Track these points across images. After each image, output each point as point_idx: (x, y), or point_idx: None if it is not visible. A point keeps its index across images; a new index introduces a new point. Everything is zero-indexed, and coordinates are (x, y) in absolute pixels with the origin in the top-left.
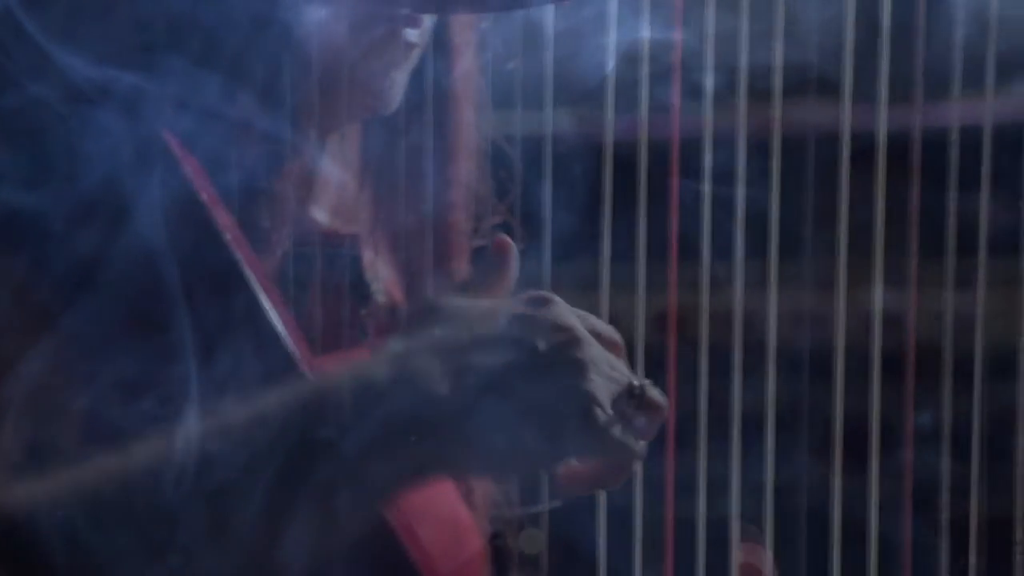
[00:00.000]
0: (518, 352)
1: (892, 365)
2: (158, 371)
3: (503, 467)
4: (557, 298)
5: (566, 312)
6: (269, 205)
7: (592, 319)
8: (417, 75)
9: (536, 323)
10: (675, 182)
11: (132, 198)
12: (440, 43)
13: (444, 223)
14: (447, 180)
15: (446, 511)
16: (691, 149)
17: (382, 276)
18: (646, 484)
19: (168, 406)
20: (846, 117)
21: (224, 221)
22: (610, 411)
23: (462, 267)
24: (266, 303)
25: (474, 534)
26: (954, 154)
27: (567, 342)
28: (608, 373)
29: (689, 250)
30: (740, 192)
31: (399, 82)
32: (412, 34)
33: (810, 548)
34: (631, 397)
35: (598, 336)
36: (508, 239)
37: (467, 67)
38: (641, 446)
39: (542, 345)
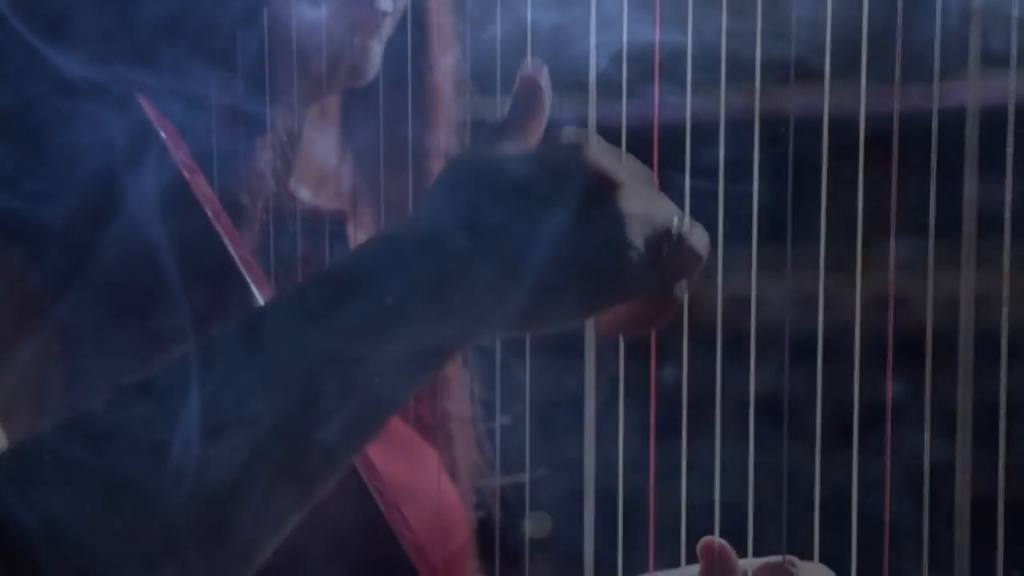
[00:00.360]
0: (552, 202)
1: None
2: (149, 353)
3: (540, 318)
4: (592, 137)
5: (602, 153)
6: (247, 179)
7: (626, 157)
8: (393, 44)
9: (570, 168)
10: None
11: (114, 178)
12: (416, 11)
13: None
14: (426, 150)
15: (434, 498)
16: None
17: None
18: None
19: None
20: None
21: (206, 196)
22: (648, 256)
23: None
24: (249, 281)
25: (463, 521)
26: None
27: (603, 188)
28: (644, 216)
29: None
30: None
31: (375, 51)
32: (384, 2)
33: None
34: (669, 239)
35: (634, 172)
36: (535, 76)
37: (444, 34)
38: (680, 287)
39: (577, 193)
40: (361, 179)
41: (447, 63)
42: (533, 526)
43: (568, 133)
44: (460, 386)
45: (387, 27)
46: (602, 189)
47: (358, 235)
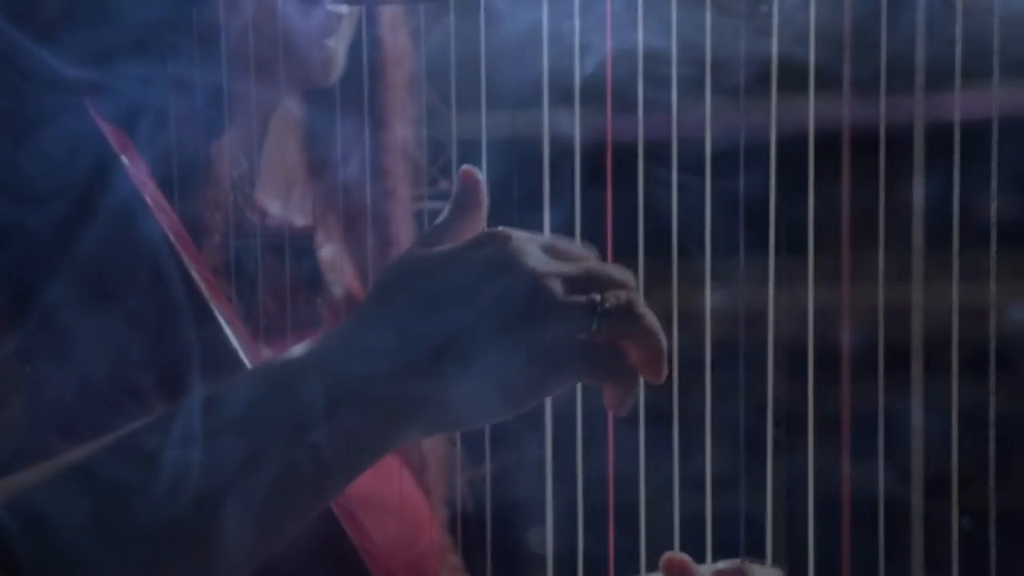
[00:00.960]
0: (480, 293)
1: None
2: (106, 369)
3: (492, 406)
4: (516, 233)
5: (526, 246)
6: (207, 191)
7: (563, 242)
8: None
9: (495, 259)
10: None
11: (63, 187)
12: (370, 11)
13: (383, 191)
14: (382, 147)
15: (397, 501)
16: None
17: (339, 268)
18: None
19: (114, 401)
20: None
21: (160, 207)
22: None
23: (405, 233)
24: (209, 299)
25: (431, 523)
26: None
27: (530, 279)
28: (568, 294)
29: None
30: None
31: (336, 52)
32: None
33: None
34: (594, 313)
35: (569, 255)
36: (474, 171)
37: (397, 30)
38: (625, 360)
39: (502, 281)
40: (326, 187)
41: (399, 55)
42: (531, 541)
43: (489, 231)
44: None
45: (346, 28)
46: (534, 279)
47: (325, 248)
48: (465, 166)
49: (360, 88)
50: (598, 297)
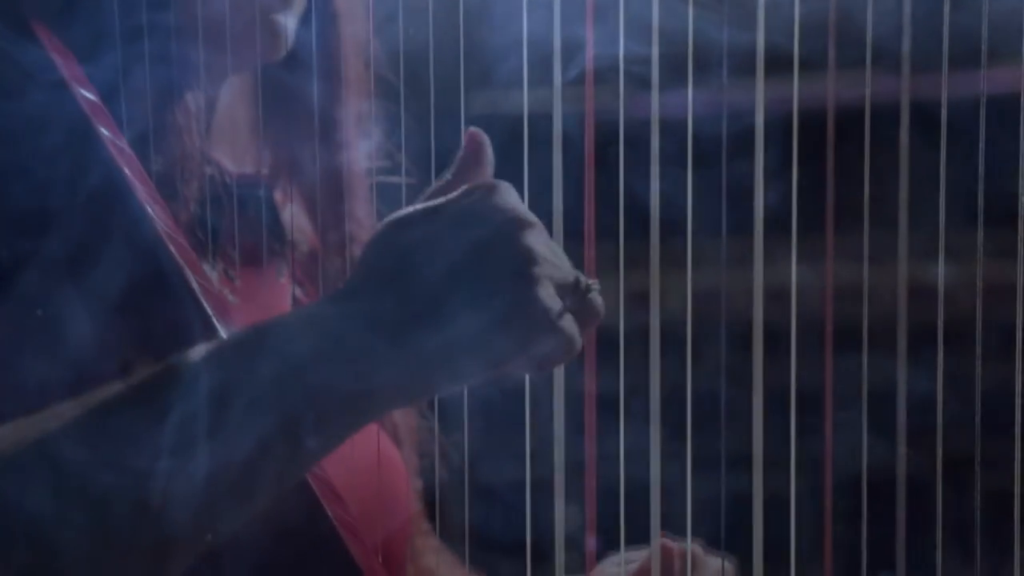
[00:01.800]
0: (469, 244)
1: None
2: (81, 339)
3: (459, 369)
4: (503, 184)
5: (511, 197)
6: (166, 147)
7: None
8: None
9: (483, 210)
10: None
11: (46, 166)
12: None
13: (340, 164)
14: (336, 120)
15: (372, 477)
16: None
17: (303, 229)
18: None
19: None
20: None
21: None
22: (556, 302)
23: (364, 206)
24: (175, 255)
25: (407, 497)
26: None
27: (516, 227)
28: (553, 261)
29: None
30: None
31: (284, 26)
32: None
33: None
34: (576, 291)
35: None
36: (480, 132)
37: (352, 5)
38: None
39: (490, 232)
40: (280, 150)
41: (355, 34)
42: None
43: (478, 183)
44: None
45: (299, 4)
46: (515, 227)
47: (290, 204)
48: (472, 128)
49: (314, 61)
50: (584, 279)
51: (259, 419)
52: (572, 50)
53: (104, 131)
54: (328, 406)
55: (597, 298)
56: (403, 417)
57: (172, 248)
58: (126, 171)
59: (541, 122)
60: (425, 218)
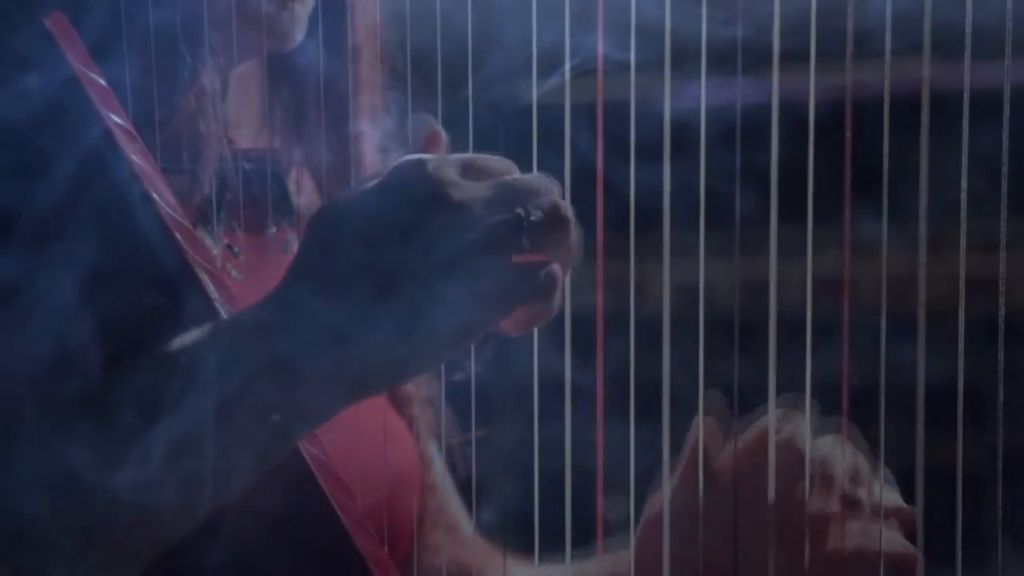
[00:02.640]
0: (404, 217)
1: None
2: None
3: (429, 326)
4: (429, 157)
5: (441, 170)
6: (190, 146)
7: (481, 158)
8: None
9: (411, 181)
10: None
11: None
12: None
13: (348, 141)
14: (349, 113)
15: (378, 451)
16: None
17: (306, 192)
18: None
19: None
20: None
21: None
22: (505, 251)
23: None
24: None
25: (413, 471)
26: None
27: (441, 192)
28: (487, 202)
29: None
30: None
31: (298, 16)
32: None
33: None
34: (521, 228)
35: (489, 172)
36: (437, 130)
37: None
38: (554, 271)
39: (421, 201)
40: (287, 137)
41: (368, 24)
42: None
43: (405, 158)
44: None
45: None
46: (440, 193)
47: (298, 177)
48: (435, 128)
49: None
50: (522, 211)
51: (238, 410)
52: (565, 50)
53: (111, 115)
54: (303, 392)
55: (544, 216)
56: (419, 411)
57: (176, 233)
58: (131, 156)
59: (551, 113)
60: (363, 200)
